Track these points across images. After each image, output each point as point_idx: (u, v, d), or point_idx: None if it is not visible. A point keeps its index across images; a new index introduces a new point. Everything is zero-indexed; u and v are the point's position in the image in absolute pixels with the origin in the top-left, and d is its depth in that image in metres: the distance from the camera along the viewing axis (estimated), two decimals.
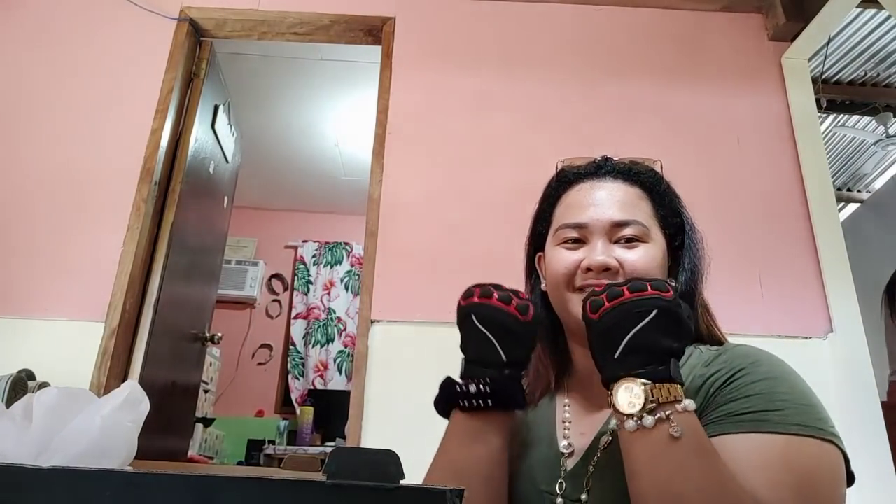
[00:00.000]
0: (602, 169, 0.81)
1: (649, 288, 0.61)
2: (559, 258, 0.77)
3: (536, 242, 0.87)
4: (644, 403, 0.57)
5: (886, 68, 3.09)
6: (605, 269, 0.72)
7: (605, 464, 0.69)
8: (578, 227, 0.77)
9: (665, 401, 0.57)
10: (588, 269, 0.73)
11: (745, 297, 2.00)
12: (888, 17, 2.71)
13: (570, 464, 0.73)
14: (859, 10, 2.57)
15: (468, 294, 0.73)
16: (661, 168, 0.83)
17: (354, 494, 0.35)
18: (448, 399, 0.73)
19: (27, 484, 0.34)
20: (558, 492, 0.71)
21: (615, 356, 0.60)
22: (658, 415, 0.57)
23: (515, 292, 0.71)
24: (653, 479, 0.57)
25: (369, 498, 0.35)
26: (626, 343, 0.59)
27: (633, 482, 0.59)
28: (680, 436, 0.56)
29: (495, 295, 0.69)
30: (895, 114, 3.32)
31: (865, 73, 3.12)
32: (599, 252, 0.73)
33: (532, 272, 0.87)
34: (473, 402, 0.69)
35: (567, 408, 0.80)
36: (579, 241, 0.77)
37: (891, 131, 3.38)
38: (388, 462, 0.36)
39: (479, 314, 0.71)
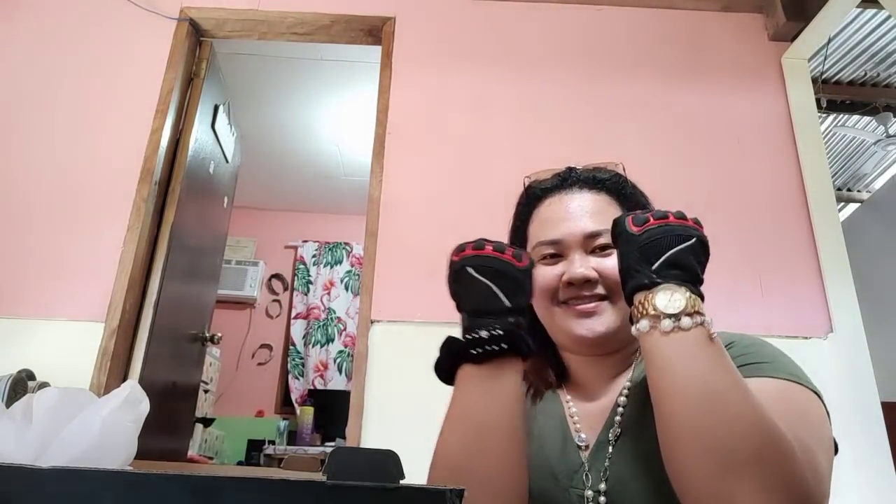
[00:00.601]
0: (567, 181, 0.82)
1: (690, 221, 0.65)
2: (540, 275, 0.78)
3: None
4: (685, 307, 0.59)
5: (886, 68, 3.09)
6: (587, 281, 0.75)
7: (619, 455, 0.71)
8: (554, 243, 0.78)
9: (701, 312, 0.60)
10: (569, 283, 0.75)
11: (745, 297, 2.00)
12: (888, 17, 2.71)
13: (586, 457, 0.75)
14: (859, 10, 2.57)
15: (460, 249, 0.72)
16: (624, 170, 0.84)
17: (354, 495, 0.35)
18: (456, 355, 0.71)
19: (27, 484, 0.34)
20: (585, 485, 0.73)
21: (653, 267, 0.62)
22: (696, 319, 0.59)
23: (508, 243, 0.72)
24: (689, 374, 0.58)
25: (369, 498, 0.35)
26: (668, 257, 0.62)
27: (664, 380, 0.60)
28: (715, 339, 0.59)
29: (488, 246, 0.69)
30: (895, 114, 3.32)
31: (865, 73, 3.12)
32: (578, 265, 0.75)
33: None
34: (486, 347, 0.66)
35: (570, 403, 0.82)
36: (557, 256, 0.78)
37: (891, 131, 3.38)
38: (388, 462, 0.36)
39: (476, 265, 0.69)
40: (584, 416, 0.80)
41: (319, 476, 0.35)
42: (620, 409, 0.74)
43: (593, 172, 0.83)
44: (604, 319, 0.75)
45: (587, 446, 0.76)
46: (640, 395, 0.72)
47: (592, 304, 0.74)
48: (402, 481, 0.36)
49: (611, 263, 0.74)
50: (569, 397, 0.83)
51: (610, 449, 0.72)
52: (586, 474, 0.73)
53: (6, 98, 2.22)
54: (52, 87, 2.25)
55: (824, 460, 0.60)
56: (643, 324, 0.61)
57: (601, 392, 0.79)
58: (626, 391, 0.76)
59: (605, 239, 0.75)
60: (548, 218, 0.81)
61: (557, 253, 0.78)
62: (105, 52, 2.31)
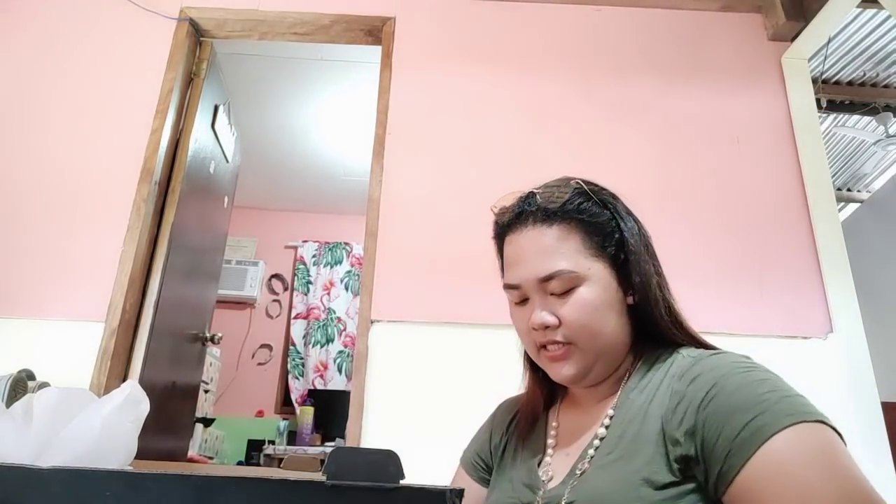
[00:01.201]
0: (521, 215, 0.79)
1: None
2: (516, 319, 0.80)
3: None
4: None
5: (886, 68, 3.09)
6: (546, 327, 0.74)
7: (580, 487, 0.70)
8: (514, 288, 0.79)
9: None
10: (534, 328, 0.76)
11: (745, 297, 2.00)
12: (888, 17, 2.71)
13: (550, 486, 0.76)
14: (859, 10, 2.57)
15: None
16: (584, 185, 0.79)
17: (354, 495, 0.35)
18: None
19: (27, 484, 0.34)
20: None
21: None
22: None
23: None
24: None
25: (369, 498, 0.35)
26: None
27: None
28: None
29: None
30: (895, 114, 3.32)
31: (865, 73, 3.12)
32: (538, 311, 0.75)
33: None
34: None
35: (553, 431, 0.83)
36: (525, 299, 0.78)
37: (891, 131, 3.38)
38: (387, 462, 0.36)
39: None
40: (564, 443, 0.80)
41: (319, 476, 0.35)
42: (596, 443, 0.73)
43: (545, 202, 0.78)
44: (572, 363, 0.75)
45: (551, 478, 0.76)
46: (618, 430, 0.72)
47: (560, 351, 0.75)
48: (402, 481, 0.36)
49: (569, 309, 0.74)
50: (555, 424, 0.84)
51: (573, 481, 0.72)
52: (543, 495, 0.74)
53: (6, 98, 2.22)
54: (52, 87, 2.25)
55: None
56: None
57: (589, 414, 0.80)
58: (607, 421, 0.75)
59: (559, 282, 0.74)
60: (508, 259, 0.80)
61: (521, 298, 0.79)
62: (105, 52, 2.31)
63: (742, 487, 0.59)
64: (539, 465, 0.80)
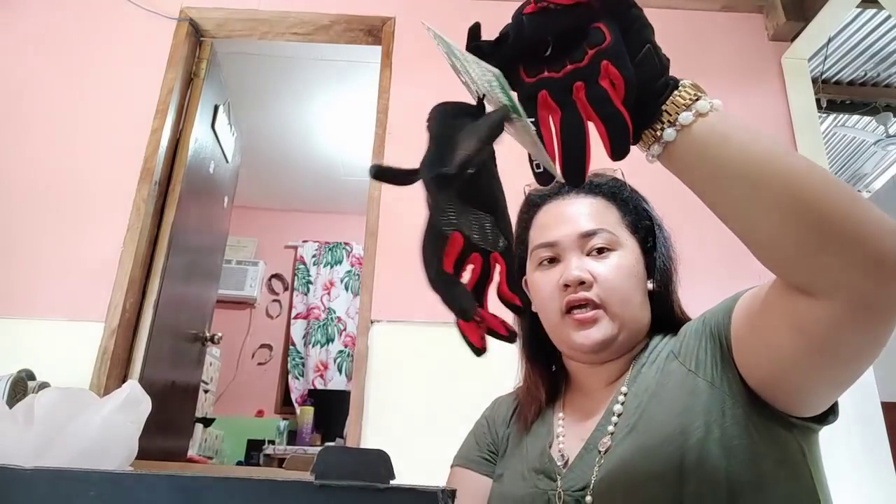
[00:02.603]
0: (564, 187, 0.82)
1: None
2: (541, 284, 0.79)
3: (520, 267, 0.87)
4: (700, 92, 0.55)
5: (886, 68, 3.09)
6: (581, 283, 0.75)
7: (608, 462, 0.69)
8: (550, 245, 0.79)
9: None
10: (566, 286, 0.75)
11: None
12: (888, 17, 2.71)
13: (563, 469, 0.75)
14: (859, 10, 2.57)
15: None
16: (623, 175, 0.85)
17: (343, 495, 0.34)
18: None
19: (11, 484, 0.34)
20: (561, 485, 0.72)
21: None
22: (715, 101, 0.55)
23: None
24: (758, 146, 0.53)
25: (358, 498, 0.34)
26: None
27: (731, 161, 0.52)
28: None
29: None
30: (895, 114, 3.32)
31: (865, 73, 3.12)
32: (573, 267, 0.76)
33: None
34: None
35: (561, 421, 0.82)
36: (555, 261, 0.79)
37: (891, 131, 3.38)
38: (378, 462, 0.36)
39: None
40: (574, 429, 0.79)
41: (308, 476, 0.35)
42: (615, 419, 0.73)
43: (590, 178, 0.80)
44: (601, 328, 0.74)
45: (567, 462, 0.75)
46: (635, 402, 0.72)
47: (590, 314, 0.74)
48: (392, 482, 0.35)
49: (606, 268, 0.75)
50: (561, 415, 0.82)
51: (599, 459, 0.70)
52: (563, 480, 0.72)
53: (6, 98, 2.22)
54: (52, 86, 2.25)
55: None
56: (685, 116, 0.53)
57: (597, 399, 0.79)
58: (622, 398, 0.74)
59: (601, 239, 0.77)
60: (545, 222, 0.82)
61: (555, 257, 0.79)
62: (105, 52, 2.31)
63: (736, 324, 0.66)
64: (550, 451, 0.78)
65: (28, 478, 0.34)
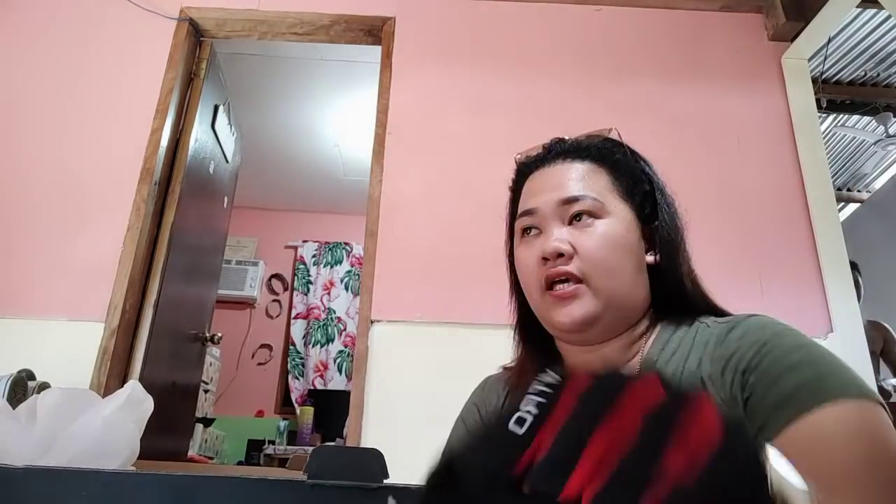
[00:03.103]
0: (552, 152, 0.76)
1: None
2: (522, 257, 0.73)
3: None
4: None
5: (886, 68, 3.09)
6: (560, 255, 0.67)
7: None
8: (529, 213, 0.72)
9: None
10: (544, 259, 0.68)
11: (745, 297, 2.00)
12: (888, 17, 2.71)
13: None
14: (859, 10, 2.57)
15: None
16: (619, 135, 0.78)
17: (335, 494, 0.34)
18: None
19: (4, 483, 0.34)
20: None
21: None
22: None
23: None
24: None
25: (351, 497, 0.34)
26: None
27: None
28: None
29: None
30: (895, 114, 3.32)
31: (865, 73, 3.12)
32: (552, 237, 0.69)
33: (514, 273, 0.80)
34: None
35: None
36: (536, 230, 0.72)
37: (891, 131, 3.38)
38: (370, 461, 0.35)
39: None
40: None
41: (300, 475, 0.35)
42: None
43: (579, 141, 0.76)
44: (582, 304, 0.66)
45: None
46: None
47: (570, 289, 0.66)
48: (385, 481, 0.35)
49: (588, 239, 0.68)
50: None
51: None
52: None
53: (6, 98, 2.22)
54: (52, 87, 2.24)
55: None
56: None
57: None
58: None
59: (583, 205, 0.69)
60: (530, 190, 0.75)
61: (535, 226, 0.72)
62: (105, 52, 2.30)
63: (780, 443, 0.53)
64: None
65: (21, 477, 0.34)
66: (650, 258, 0.71)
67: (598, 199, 0.70)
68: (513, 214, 0.79)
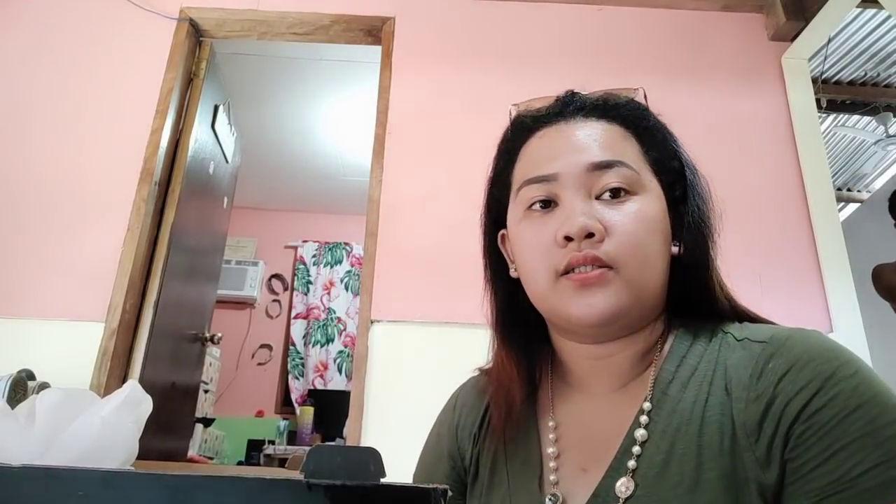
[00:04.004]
0: (569, 106, 0.62)
1: None
2: (528, 236, 0.57)
3: (495, 215, 0.67)
4: None
5: (886, 68, 3.09)
6: (589, 235, 0.54)
7: None
8: (545, 180, 0.57)
9: None
10: (567, 238, 0.54)
11: (745, 297, 1.99)
12: (888, 17, 2.71)
13: None
14: (859, 10, 2.57)
15: None
16: (646, 98, 0.69)
17: (332, 494, 0.34)
18: None
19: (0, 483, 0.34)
20: None
21: None
22: None
23: None
24: None
25: (348, 497, 0.34)
26: None
27: None
28: None
29: None
30: (895, 114, 3.32)
31: (865, 73, 3.12)
32: (578, 212, 0.54)
33: (492, 255, 0.67)
34: None
35: (554, 432, 0.60)
36: (550, 203, 0.57)
37: (891, 131, 3.38)
38: (368, 460, 0.35)
39: None
40: (577, 451, 0.57)
41: (296, 475, 0.35)
42: (637, 449, 0.52)
43: (605, 97, 0.62)
44: (608, 294, 0.53)
45: (563, 503, 0.54)
46: (664, 436, 0.52)
47: (596, 272, 0.53)
48: (383, 480, 0.35)
49: (622, 217, 0.55)
50: (553, 423, 0.60)
51: None
52: None
53: (6, 98, 2.22)
54: (51, 87, 2.25)
55: None
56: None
57: (607, 405, 0.58)
58: (644, 416, 0.54)
59: (618, 177, 0.55)
60: (540, 152, 0.60)
61: (550, 198, 0.57)
62: (105, 52, 2.30)
63: None
64: (540, 485, 0.57)
65: (16, 476, 0.34)
66: (674, 249, 0.59)
67: (633, 168, 0.57)
68: (503, 181, 0.65)
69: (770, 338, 0.52)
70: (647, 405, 0.54)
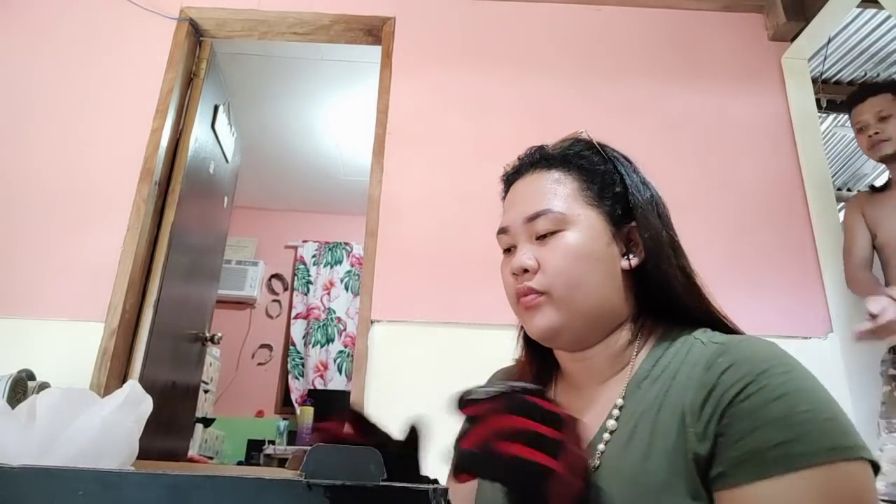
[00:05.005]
0: (524, 164, 0.77)
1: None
2: (504, 274, 0.74)
3: None
4: None
5: (886, 68, 3.09)
6: (525, 271, 0.69)
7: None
8: (503, 231, 0.75)
9: None
10: (514, 274, 0.71)
11: (744, 297, 2.00)
12: (888, 17, 2.71)
13: None
14: (859, 10, 2.57)
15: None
16: (588, 136, 0.77)
17: (332, 494, 0.34)
18: None
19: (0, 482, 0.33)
20: None
21: None
22: None
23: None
24: None
25: (348, 497, 0.34)
26: None
27: None
28: None
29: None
30: None
31: (865, 73, 3.12)
32: (519, 254, 0.71)
33: None
34: None
35: None
36: (512, 248, 0.74)
37: None
38: (368, 460, 0.35)
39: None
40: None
41: (296, 475, 0.35)
42: (606, 436, 0.64)
43: (549, 149, 0.77)
44: (544, 316, 0.68)
45: None
46: (629, 422, 0.64)
47: (533, 300, 0.68)
48: (382, 480, 0.35)
49: (550, 253, 0.69)
50: None
51: None
52: None
53: (6, 98, 2.22)
54: (51, 87, 2.25)
55: None
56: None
57: (588, 399, 0.71)
58: (616, 412, 0.66)
59: (545, 222, 0.70)
60: (506, 205, 0.78)
61: (510, 244, 0.74)
62: (105, 51, 2.30)
63: (731, 498, 0.54)
64: None
65: (16, 476, 0.34)
66: (627, 263, 0.70)
67: (561, 211, 0.70)
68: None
69: (727, 341, 0.63)
70: (619, 401, 0.67)
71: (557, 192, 0.71)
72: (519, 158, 0.79)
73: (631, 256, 0.70)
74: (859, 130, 1.88)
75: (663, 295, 0.69)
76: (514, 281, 0.71)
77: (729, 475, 0.54)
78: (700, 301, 0.70)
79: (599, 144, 0.76)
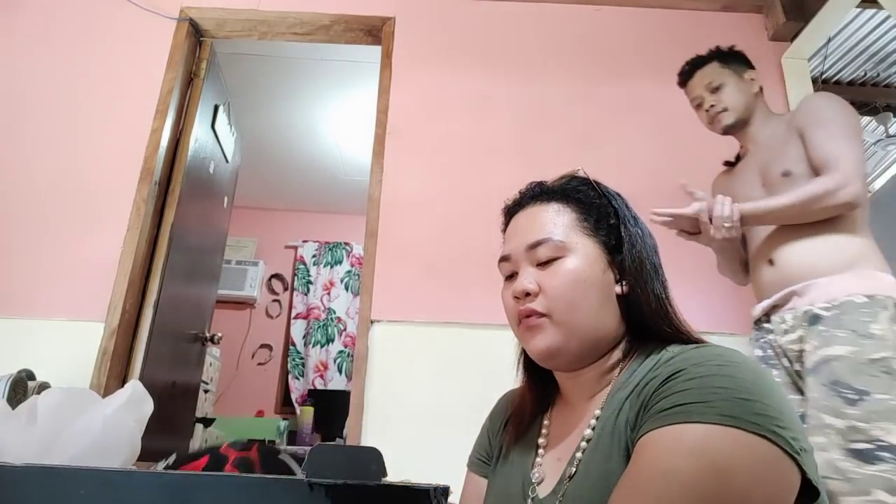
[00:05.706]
0: (525, 196, 0.83)
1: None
2: (503, 297, 0.80)
3: None
4: None
5: (886, 68, 3.09)
6: (527, 294, 0.75)
7: (571, 494, 0.68)
8: (505, 259, 0.80)
9: None
10: (516, 298, 0.76)
11: (744, 297, 2.00)
12: (888, 17, 2.71)
13: (541, 492, 0.73)
14: (859, 10, 2.57)
15: None
16: (585, 173, 0.83)
17: (334, 493, 0.34)
18: None
19: (1, 482, 0.33)
20: None
21: None
22: None
23: None
24: None
25: (349, 496, 0.34)
26: None
27: None
28: None
29: None
30: (895, 114, 3.32)
31: (865, 73, 3.12)
32: (521, 278, 0.76)
33: None
34: None
35: (545, 430, 0.81)
36: (513, 274, 0.79)
37: (891, 131, 3.38)
38: (369, 460, 0.35)
39: None
40: (555, 445, 0.78)
41: (298, 475, 0.35)
42: (583, 444, 0.71)
43: (549, 184, 0.83)
44: (545, 337, 0.73)
45: (542, 481, 0.75)
46: (601, 429, 0.69)
47: (535, 322, 0.74)
48: (384, 479, 0.35)
49: (550, 277, 0.74)
50: (547, 422, 0.82)
51: (563, 489, 0.70)
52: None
53: (6, 98, 2.22)
54: (52, 86, 2.25)
55: None
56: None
57: (578, 413, 0.77)
58: (593, 421, 0.72)
59: (546, 249, 0.75)
60: (506, 237, 0.84)
61: (511, 271, 0.80)
62: (105, 52, 2.31)
63: (635, 449, 0.60)
64: (532, 466, 0.78)
65: (19, 475, 0.34)
66: (619, 289, 0.75)
67: (560, 239, 0.76)
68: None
69: (687, 348, 0.68)
70: (597, 412, 0.72)
71: (557, 222, 0.78)
72: (520, 192, 0.85)
73: (623, 283, 0.75)
74: (697, 107, 1.78)
75: (641, 318, 0.75)
76: (515, 304, 0.77)
77: (638, 430, 0.61)
78: (669, 321, 0.75)
79: (595, 181, 0.82)
